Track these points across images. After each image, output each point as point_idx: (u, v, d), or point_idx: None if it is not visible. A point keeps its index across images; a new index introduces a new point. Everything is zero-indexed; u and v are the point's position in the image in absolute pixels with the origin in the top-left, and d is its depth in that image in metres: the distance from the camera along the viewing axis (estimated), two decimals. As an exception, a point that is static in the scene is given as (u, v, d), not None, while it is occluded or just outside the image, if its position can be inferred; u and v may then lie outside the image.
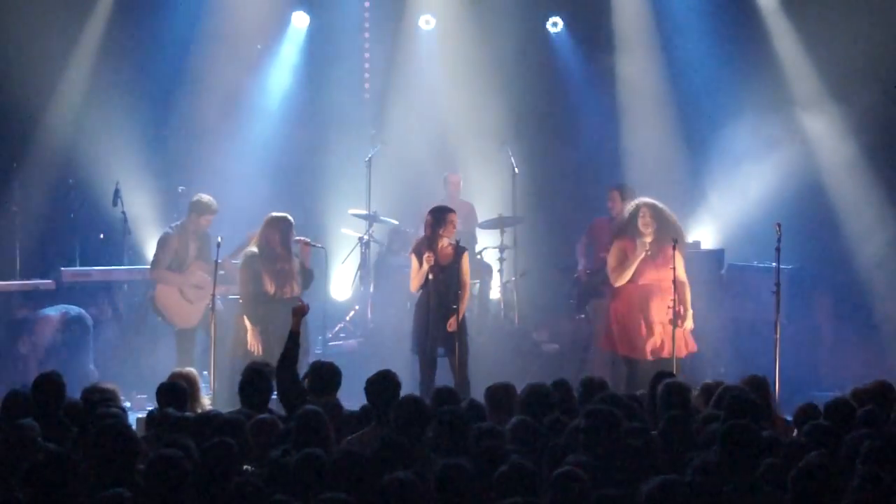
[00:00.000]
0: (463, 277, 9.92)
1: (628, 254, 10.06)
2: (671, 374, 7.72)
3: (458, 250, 9.96)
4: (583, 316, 12.20)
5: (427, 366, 9.94)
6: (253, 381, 7.33)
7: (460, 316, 9.83)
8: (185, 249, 10.89)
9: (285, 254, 10.21)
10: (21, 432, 6.08)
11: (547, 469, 5.87)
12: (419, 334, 9.98)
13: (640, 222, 10.03)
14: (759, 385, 7.26)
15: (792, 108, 13.20)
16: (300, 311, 8.23)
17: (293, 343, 7.88)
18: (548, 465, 5.99)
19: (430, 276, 9.83)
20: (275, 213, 10.38)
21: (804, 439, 6.29)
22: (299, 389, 7.57)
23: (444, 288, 9.84)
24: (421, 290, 10.00)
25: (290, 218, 10.35)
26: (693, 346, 10.10)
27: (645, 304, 10.01)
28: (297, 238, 10.41)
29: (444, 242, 9.92)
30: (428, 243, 9.96)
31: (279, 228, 10.22)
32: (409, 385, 9.83)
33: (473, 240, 13.00)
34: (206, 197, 10.97)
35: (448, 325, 9.78)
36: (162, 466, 5.44)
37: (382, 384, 6.95)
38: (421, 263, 9.90)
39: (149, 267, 11.14)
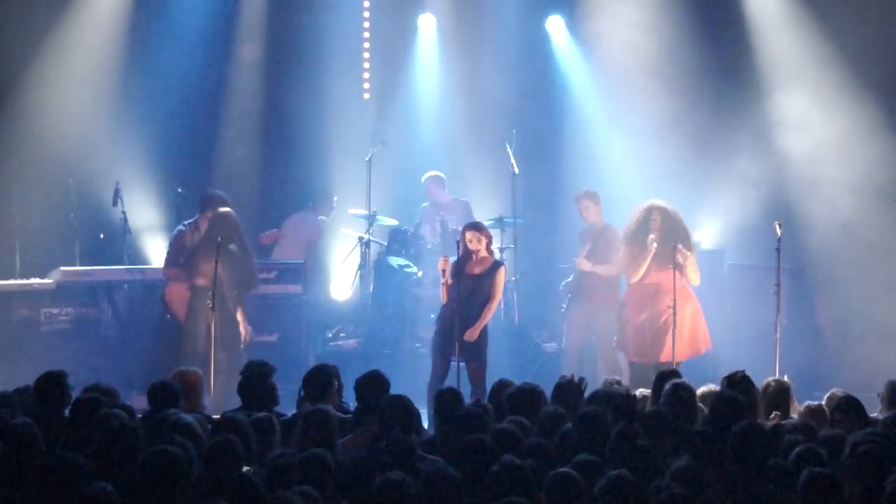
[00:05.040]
0: (494, 290, 9.84)
1: (636, 256, 10.10)
2: (676, 374, 7.64)
3: (495, 264, 9.94)
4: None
5: (439, 370, 9.85)
6: (250, 381, 7.32)
7: (480, 326, 9.74)
8: None
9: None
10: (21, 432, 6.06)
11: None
12: (438, 337, 9.89)
13: (650, 225, 10.07)
14: (741, 382, 7.11)
15: (793, 107, 13.19)
16: None
17: None
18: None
19: (455, 279, 9.70)
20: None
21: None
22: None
23: (470, 296, 9.76)
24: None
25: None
26: (708, 343, 10.16)
27: (650, 306, 10.04)
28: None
29: (484, 253, 9.82)
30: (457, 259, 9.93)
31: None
32: (410, 384, 9.83)
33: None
34: (218, 192, 11.00)
35: (466, 335, 9.70)
36: (157, 462, 5.41)
37: (371, 384, 6.94)
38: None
39: (160, 266, 11.16)
